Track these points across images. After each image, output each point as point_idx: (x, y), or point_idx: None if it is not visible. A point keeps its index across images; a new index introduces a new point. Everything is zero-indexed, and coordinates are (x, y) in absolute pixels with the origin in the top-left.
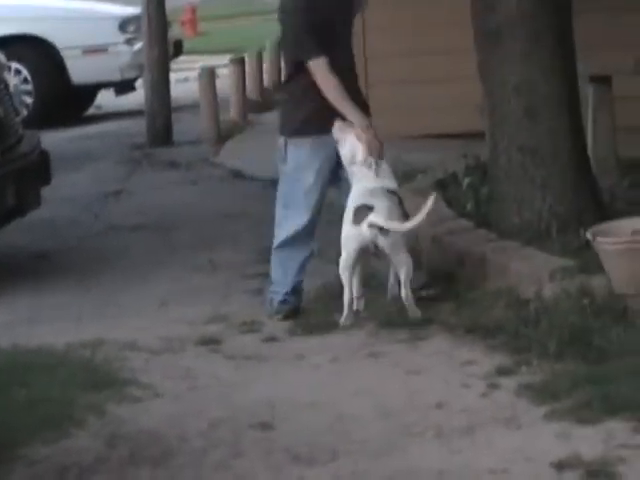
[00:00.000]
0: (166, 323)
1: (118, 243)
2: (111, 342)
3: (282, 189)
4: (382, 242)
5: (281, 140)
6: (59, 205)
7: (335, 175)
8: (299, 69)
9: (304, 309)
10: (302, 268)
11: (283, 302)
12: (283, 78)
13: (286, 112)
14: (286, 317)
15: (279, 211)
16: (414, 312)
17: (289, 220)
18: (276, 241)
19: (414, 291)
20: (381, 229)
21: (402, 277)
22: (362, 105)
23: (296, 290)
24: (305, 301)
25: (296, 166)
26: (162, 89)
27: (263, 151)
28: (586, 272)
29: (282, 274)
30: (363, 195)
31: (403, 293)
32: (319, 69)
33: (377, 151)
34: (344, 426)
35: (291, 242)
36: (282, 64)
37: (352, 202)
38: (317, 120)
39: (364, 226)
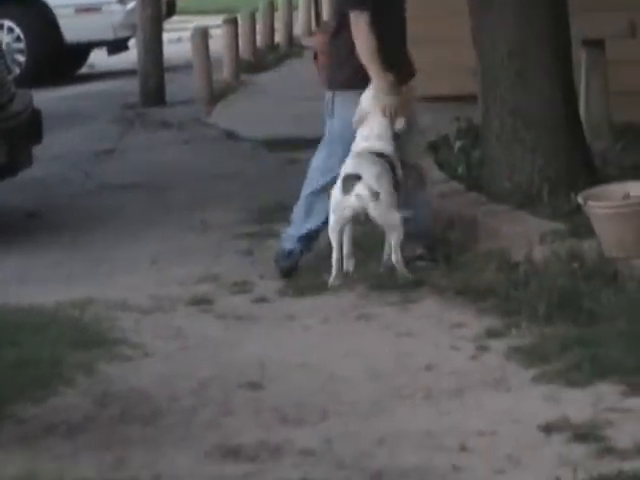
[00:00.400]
0: (157, 282)
1: (110, 202)
2: (102, 301)
3: (328, 140)
4: (372, 210)
5: (328, 94)
6: (51, 164)
7: None
8: (345, 23)
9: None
10: (326, 218)
11: (288, 255)
12: (330, 33)
13: (333, 66)
14: (284, 275)
15: (321, 160)
16: (404, 276)
17: (332, 168)
18: (311, 187)
19: (409, 261)
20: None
21: (393, 241)
22: (406, 67)
23: (310, 237)
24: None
25: (343, 119)
26: (155, 49)
27: (256, 111)
28: (577, 236)
29: (304, 215)
30: (351, 162)
31: (394, 258)
32: (358, 22)
33: (391, 116)
34: (334, 387)
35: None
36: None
37: (343, 169)
38: (364, 74)
39: (352, 197)
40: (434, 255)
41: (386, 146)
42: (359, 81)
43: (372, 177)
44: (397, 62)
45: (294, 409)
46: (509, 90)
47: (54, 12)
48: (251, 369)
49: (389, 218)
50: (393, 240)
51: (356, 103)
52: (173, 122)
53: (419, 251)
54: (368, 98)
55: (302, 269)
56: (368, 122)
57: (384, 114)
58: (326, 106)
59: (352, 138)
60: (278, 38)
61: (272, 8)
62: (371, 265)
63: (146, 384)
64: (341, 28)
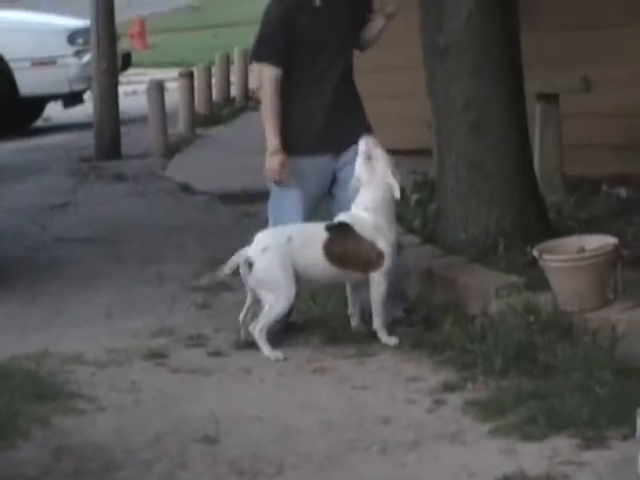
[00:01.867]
0: (112, 335)
1: (65, 255)
2: (57, 354)
3: (272, 205)
4: (249, 277)
5: None
6: (5, 216)
7: (330, 192)
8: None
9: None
10: None
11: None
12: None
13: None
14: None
15: (270, 226)
16: (269, 352)
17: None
18: None
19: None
20: (250, 265)
21: (260, 314)
22: (355, 124)
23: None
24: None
25: (279, 184)
26: (110, 102)
27: (211, 165)
28: (532, 289)
29: None
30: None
31: (254, 327)
32: (263, 75)
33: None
34: (289, 440)
35: None
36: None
37: None
38: (302, 140)
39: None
40: (411, 318)
41: (368, 217)
42: (297, 147)
43: (257, 248)
44: (326, 127)
45: (250, 462)
46: (464, 142)
47: (9, 65)
48: (206, 422)
49: (261, 292)
50: (262, 313)
51: (293, 166)
52: (128, 175)
53: (397, 314)
54: (361, 167)
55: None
56: (362, 191)
57: (268, 176)
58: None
59: (292, 198)
60: (234, 92)
61: (228, 62)
62: (325, 319)
63: (101, 437)
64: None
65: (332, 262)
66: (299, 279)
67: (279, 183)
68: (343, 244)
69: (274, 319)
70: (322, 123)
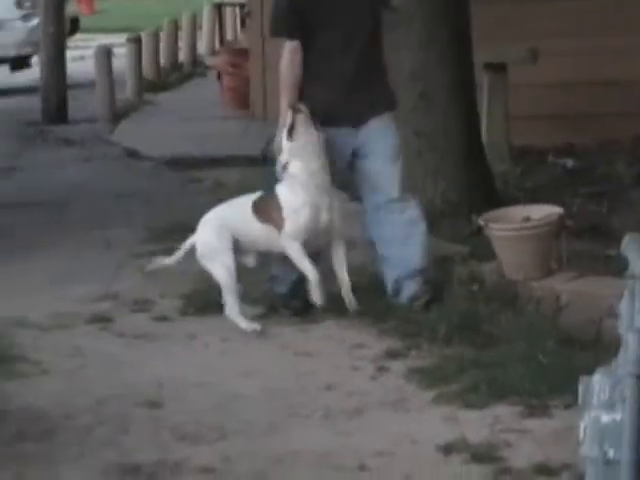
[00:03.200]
0: (57, 300)
1: (10, 220)
2: (0, 318)
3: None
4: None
5: None
6: None
7: (352, 166)
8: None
9: (197, 290)
10: None
11: (290, 294)
12: None
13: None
14: (296, 314)
15: None
16: (247, 325)
17: None
18: None
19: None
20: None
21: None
22: (374, 97)
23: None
24: (199, 282)
25: None
26: (58, 66)
27: (158, 130)
28: (477, 258)
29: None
30: None
31: (226, 313)
32: (286, 51)
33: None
34: (232, 406)
35: None
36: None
37: None
38: (322, 112)
39: None
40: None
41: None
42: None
43: (199, 225)
44: (340, 100)
45: (192, 427)
46: (412, 111)
47: None
48: (150, 387)
49: (205, 265)
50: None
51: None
52: (75, 140)
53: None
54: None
55: (205, 288)
56: None
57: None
58: None
59: None
60: (182, 57)
61: (176, 27)
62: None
63: (43, 402)
64: None
65: (257, 216)
66: (239, 246)
67: None
68: (266, 202)
69: (232, 293)
70: (340, 96)
